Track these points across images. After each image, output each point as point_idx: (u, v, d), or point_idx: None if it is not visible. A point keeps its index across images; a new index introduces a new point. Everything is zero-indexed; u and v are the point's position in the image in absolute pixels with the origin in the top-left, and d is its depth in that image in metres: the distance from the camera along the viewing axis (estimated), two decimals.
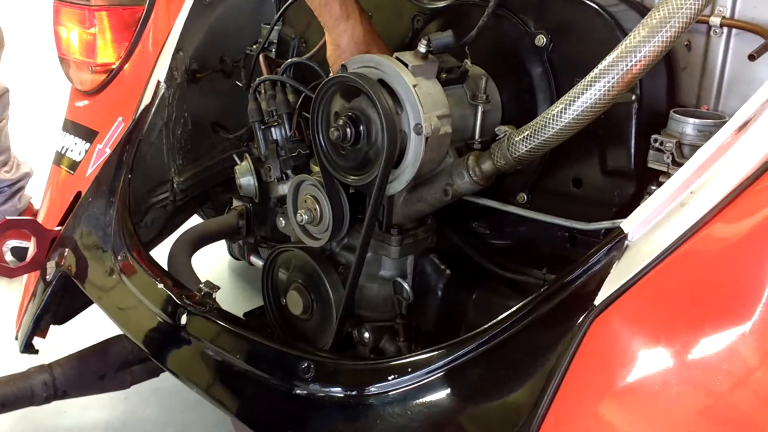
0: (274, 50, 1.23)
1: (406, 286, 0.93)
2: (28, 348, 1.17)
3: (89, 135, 1.27)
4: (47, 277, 1.14)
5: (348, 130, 0.82)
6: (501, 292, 0.93)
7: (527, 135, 0.78)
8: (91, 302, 1.22)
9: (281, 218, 1.08)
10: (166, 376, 1.24)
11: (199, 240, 1.20)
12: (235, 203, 1.25)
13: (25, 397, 1.04)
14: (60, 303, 1.15)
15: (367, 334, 0.93)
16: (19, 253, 1.86)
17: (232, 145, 1.34)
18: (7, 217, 1.17)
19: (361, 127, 0.82)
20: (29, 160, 1.91)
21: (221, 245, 1.34)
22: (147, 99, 1.20)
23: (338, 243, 0.97)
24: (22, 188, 1.86)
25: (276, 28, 1.20)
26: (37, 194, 1.82)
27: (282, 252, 1.00)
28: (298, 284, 0.98)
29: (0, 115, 1.76)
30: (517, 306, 0.70)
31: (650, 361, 0.63)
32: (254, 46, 1.23)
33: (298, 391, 0.76)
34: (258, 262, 1.23)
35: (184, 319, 0.87)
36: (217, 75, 1.32)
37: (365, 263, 0.92)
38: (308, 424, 0.75)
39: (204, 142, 1.34)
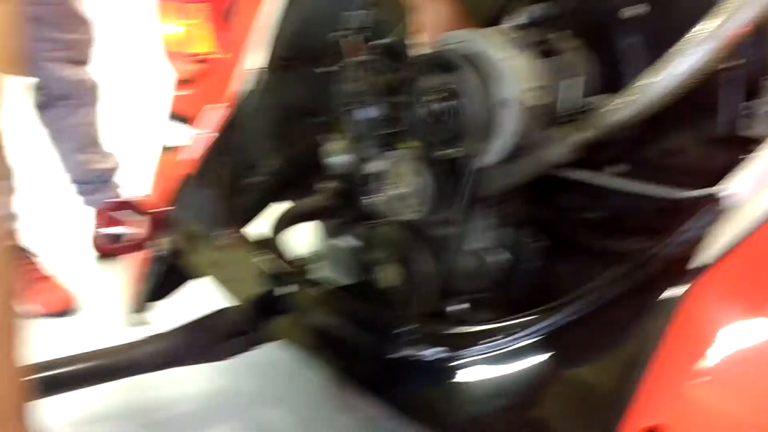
0: (364, 34, 1.27)
1: (498, 257, 0.95)
2: (134, 321, 1.26)
3: (190, 122, 1.35)
4: (154, 255, 1.22)
5: (441, 104, 0.85)
6: (593, 264, 0.94)
7: (621, 104, 0.79)
8: (193, 278, 1.31)
9: (373, 196, 1.11)
10: (261, 352, 1.31)
11: (291, 219, 1.26)
12: (325, 185, 1.31)
13: (136, 365, 1.12)
14: (165, 279, 1.23)
15: (457, 307, 0.97)
16: (121, 236, 1.98)
17: (320, 130, 1.38)
18: (115, 199, 1.25)
19: (454, 102, 0.85)
20: (117, 152, 2.02)
21: None
22: (242, 86, 1.27)
23: (431, 216, 1.00)
24: (110, 179, 1.97)
25: (366, 12, 1.24)
26: (125, 184, 1.94)
27: (375, 227, 1.05)
28: (391, 258, 1.02)
29: (90, 109, 1.87)
30: (610, 274, 0.72)
31: (749, 332, 0.63)
32: (344, 31, 1.27)
33: (397, 354, 0.80)
34: (345, 243, 1.28)
35: (286, 288, 0.92)
36: (306, 62, 1.37)
37: (457, 236, 0.95)
38: (407, 386, 0.79)
39: (293, 128, 1.40)
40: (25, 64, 1.75)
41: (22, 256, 1.77)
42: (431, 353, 0.78)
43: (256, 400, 1.41)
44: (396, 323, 0.82)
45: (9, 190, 1.76)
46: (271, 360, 1.49)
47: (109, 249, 1.21)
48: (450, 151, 0.89)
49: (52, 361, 1.14)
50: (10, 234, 0.83)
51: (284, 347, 1.49)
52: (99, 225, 1.21)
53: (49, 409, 0.92)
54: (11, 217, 1.77)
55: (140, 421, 1.37)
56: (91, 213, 1.98)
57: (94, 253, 2.00)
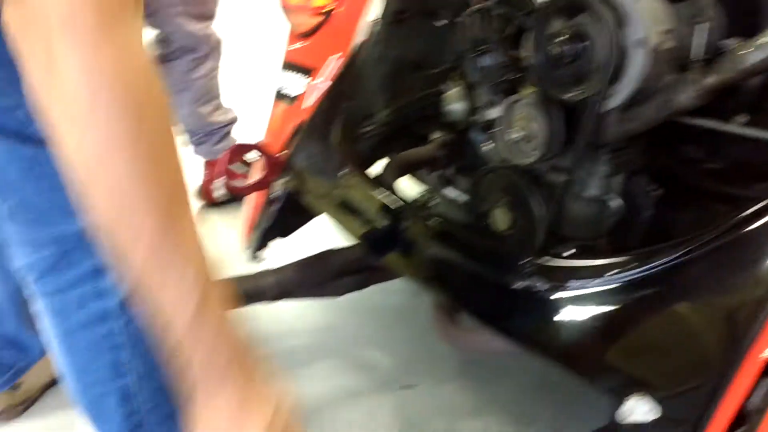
0: None
1: (615, 203, 0.96)
2: (255, 257, 1.34)
3: (307, 72, 1.41)
4: (274, 195, 1.29)
5: (569, 46, 0.87)
6: (712, 212, 0.94)
7: (752, 49, 0.78)
8: (309, 218, 1.38)
9: (486, 143, 1.15)
10: (368, 295, 1.38)
11: (404, 166, 1.31)
12: (435, 135, 1.35)
13: (260, 293, 1.20)
14: (284, 218, 1.30)
15: (568, 252, 0.99)
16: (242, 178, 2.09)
17: (431, 83, 1.42)
18: (239, 142, 1.33)
19: (582, 44, 0.87)
20: (234, 106, 2.12)
21: None
22: (360, 37, 1.32)
23: (545, 162, 1.02)
24: (229, 132, 2.07)
25: None
26: (240, 137, 2.04)
27: (490, 172, 1.07)
28: (505, 202, 1.04)
29: (214, 64, 1.97)
30: (729, 218, 0.72)
31: None
32: None
33: (517, 285, 0.83)
34: (452, 193, 1.32)
35: (406, 223, 0.97)
36: (419, 15, 1.40)
37: (572, 181, 0.97)
38: (526, 316, 0.82)
39: (405, 80, 1.43)
40: (152, 18, 1.86)
41: None
42: (547, 285, 0.81)
43: (359, 340, 1.48)
44: (511, 257, 0.86)
45: None
46: (377, 303, 1.56)
47: (232, 190, 1.29)
48: (573, 95, 0.90)
49: None
50: None
51: (391, 291, 1.56)
52: (217, 169, 1.29)
53: None
54: None
55: None
56: (200, 163, 2.11)
57: (201, 202, 2.13)
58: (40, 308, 0.84)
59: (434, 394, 1.31)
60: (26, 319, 1.23)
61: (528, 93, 1.01)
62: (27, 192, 0.76)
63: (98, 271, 0.79)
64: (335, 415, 1.27)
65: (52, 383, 1.36)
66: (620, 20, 0.84)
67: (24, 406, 1.34)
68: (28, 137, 0.73)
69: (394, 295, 1.59)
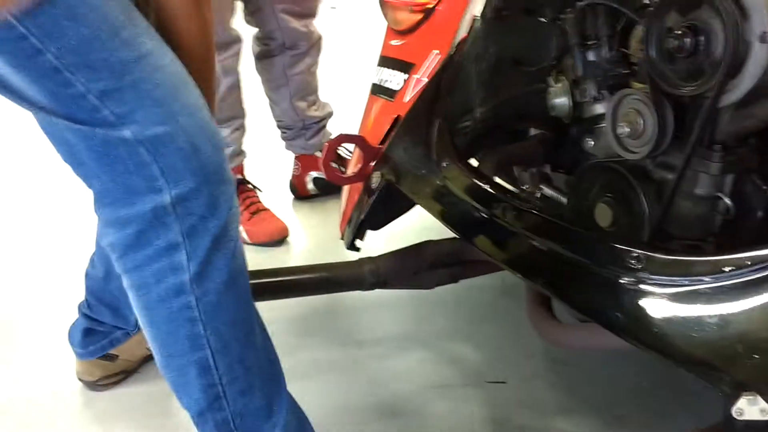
0: None
1: (727, 201, 0.94)
2: (351, 247, 1.37)
3: (406, 67, 1.43)
4: (372, 186, 1.32)
5: (687, 39, 0.86)
6: None
7: None
8: (404, 210, 1.40)
9: (589, 139, 1.14)
10: (457, 288, 1.39)
11: (501, 162, 1.31)
12: (533, 132, 1.35)
13: (357, 281, 1.23)
14: (380, 209, 1.33)
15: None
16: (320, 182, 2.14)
17: (531, 79, 1.42)
18: (341, 133, 1.37)
19: (701, 37, 0.85)
20: (331, 101, 2.18)
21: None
22: (462, 33, 1.33)
23: (653, 159, 1.01)
24: (325, 126, 2.13)
25: None
26: (335, 131, 2.09)
27: (593, 168, 1.07)
28: (608, 198, 1.04)
29: (314, 60, 2.03)
30: None
31: None
32: None
33: (625, 279, 0.83)
34: (548, 191, 1.31)
35: (510, 214, 0.98)
36: (520, 12, 1.41)
37: (681, 179, 0.95)
38: (633, 310, 0.81)
39: (503, 77, 1.44)
40: (255, 16, 1.93)
41: (246, 189, 1.99)
42: (659, 280, 0.80)
43: (447, 334, 1.49)
44: (620, 251, 0.85)
45: (243, 129, 1.98)
46: (466, 298, 1.57)
47: (333, 179, 1.33)
48: (687, 90, 0.89)
49: (279, 269, 1.29)
50: None
51: (480, 287, 1.56)
52: (324, 154, 1.32)
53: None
54: (241, 154, 1.99)
55: (340, 339, 1.50)
56: (292, 158, 2.17)
57: (292, 195, 2.20)
58: (125, 285, 0.90)
59: (523, 391, 1.31)
60: None
61: (639, 88, 1.00)
62: (104, 178, 0.82)
63: (172, 247, 0.85)
64: (422, 407, 1.29)
65: (150, 357, 1.43)
66: (741, 13, 0.83)
67: (120, 377, 1.42)
68: (99, 122, 0.79)
69: (482, 291, 1.59)
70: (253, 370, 0.95)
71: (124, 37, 0.78)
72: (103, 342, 1.38)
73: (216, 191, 0.85)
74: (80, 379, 1.40)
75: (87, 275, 1.35)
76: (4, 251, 1.98)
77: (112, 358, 1.39)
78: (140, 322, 0.92)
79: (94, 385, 1.40)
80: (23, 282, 1.81)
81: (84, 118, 0.78)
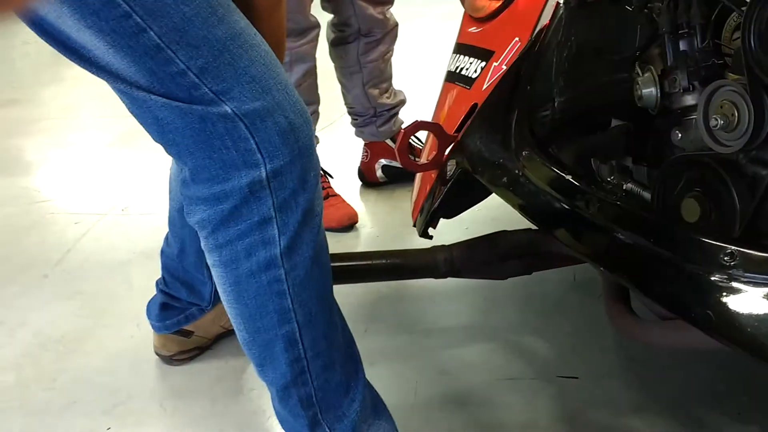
0: None
1: None
2: (424, 234, 1.37)
3: (485, 55, 1.42)
4: (447, 174, 1.31)
5: None
6: None
7: None
8: (478, 199, 1.39)
9: (677, 131, 1.10)
10: (529, 281, 1.37)
11: (582, 152, 1.29)
12: (615, 122, 1.31)
13: (430, 269, 1.23)
14: (454, 198, 1.32)
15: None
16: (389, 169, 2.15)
17: (614, 69, 1.38)
18: (418, 120, 1.36)
19: None
20: (404, 89, 2.17)
21: None
22: (545, 20, 1.31)
23: (746, 154, 0.97)
24: (396, 113, 2.13)
25: None
26: (407, 120, 2.09)
27: (681, 160, 1.03)
28: (697, 192, 1.00)
29: (388, 47, 2.03)
30: None
31: None
32: None
33: (716, 276, 0.80)
34: (631, 185, 1.28)
35: (594, 206, 0.96)
36: (606, 0, 1.37)
37: None
38: (725, 307, 0.78)
39: (585, 66, 1.40)
40: (331, 3, 1.95)
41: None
42: (751, 278, 0.77)
43: (518, 326, 1.47)
44: (711, 246, 0.82)
45: (316, 115, 2.00)
46: (537, 292, 1.55)
47: (409, 165, 1.33)
48: None
49: (353, 254, 1.30)
50: None
51: (551, 281, 1.54)
52: (399, 141, 1.32)
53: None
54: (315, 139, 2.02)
55: (408, 327, 1.50)
56: (361, 145, 2.18)
57: (360, 182, 2.21)
58: (212, 261, 0.92)
59: (595, 387, 1.28)
60: (205, 263, 1.34)
61: (733, 79, 0.96)
62: (198, 155, 0.84)
63: (266, 222, 0.86)
64: (492, 399, 1.28)
65: (224, 334, 1.47)
66: None
67: (195, 353, 1.46)
68: (198, 99, 0.80)
69: (554, 285, 1.57)
70: (335, 345, 0.97)
71: (220, 15, 0.80)
72: (179, 317, 1.43)
73: (307, 165, 0.87)
74: (157, 353, 1.45)
75: (162, 253, 1.40)
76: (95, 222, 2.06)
77: (187, 334, 1.44)
78: (226, 300, 0.94)
79: (170, 360, 1.44)
80: (106, 257, 1.88)
81: (183, 95, 0.80)
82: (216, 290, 1.36)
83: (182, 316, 1.42)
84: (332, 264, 1.17)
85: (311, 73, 1.91)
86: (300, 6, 1.79)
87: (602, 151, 1.31)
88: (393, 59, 2.09)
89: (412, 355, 1.42)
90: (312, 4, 1.86)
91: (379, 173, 2.18)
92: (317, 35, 1.90)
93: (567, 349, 1.40)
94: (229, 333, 1.46)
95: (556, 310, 1.51)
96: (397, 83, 2.14)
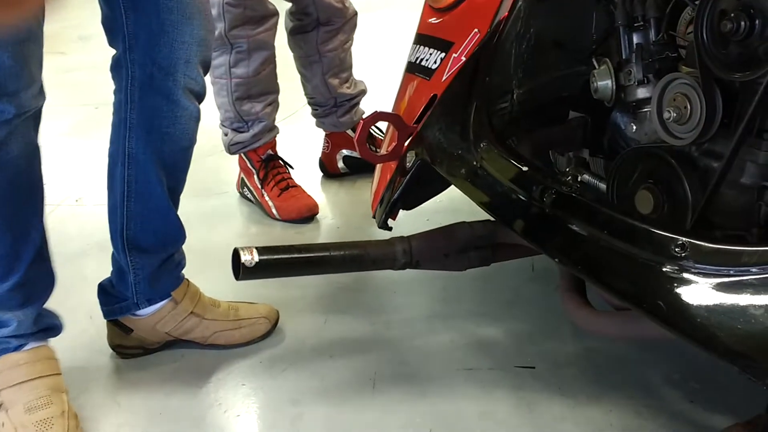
0: None
1: None
2: (384, 226, 1.37)
3: (445, 46, 1.41)
4: (406, 165, 1.31)
5: (742, 22, 0.83)
6: None
7: None
8: (438, 191, 1.39)
9: (633, 123, 1.11)
10: (486, 271, 1.38)
11: (539, 145, 1.29)
12: (573, 115, 1.32)
13: (389, 260, 1.22)
14: (414, 189, 1.32)
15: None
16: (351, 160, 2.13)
17: (573, 61, 1.39)
18: (377, 111, 1.35)
19: (757, 20, 0.83)
20: (364, 79, 2.16)
21: None
22: (503, 11, 1.30)
23: (698, 146, 0.99)
24: (357, 104, 2.11)
25: None
26: (369, 110, 2.08)
27: (635, 153, 1.05)
28: (650, 184, 1.01)
29: (348, 36, 2.01)
30: None
31: None
32: None
33: (668, 267, 0.81)
34: (587, 176, 1.29)
35: (549, 198, 0.96)
36: None
37: (727, 167, 0.92)
38: (676, 298, 0.80)
39: (543, 58, 1.41)
40: None
41: (277, 165, 1.99)
42: (711, 270, 0.78)
43: (477, 317, 1.48)
44: (664, 237, 0.83)
45: (276, 105, 1.98)
46: (497, 282, 1.56)
47: (368, 157, 1.32)
48: (739, 75, 0.86)
49: (311, 245, 1.29)
50: None
51: (511, 270, 1.55)
52: (358, 133, 1.31)
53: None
54: (274, 129, 1.99)
55: (369, 318, 1.50)
56: (322, 135, 2.16)
57: (322, 172, 2.19)
58: None
59: (552, 377, 1.29)
60: (126, 248, 1.32)
61: (686, 72, 0.98)
62: None
63: None
64: (450, 389, 1.29)
65: (174, 342, 1.42)
66: None
67: (138, 352, 1.41)
68: None
69: (513, 275, 1.58)
70: None
71: None
72: (113, 306, 1.39)
73: None
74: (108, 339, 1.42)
75: None
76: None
77: (126, 329, 1.40)
78: None
79: (113, 349, 1.42)
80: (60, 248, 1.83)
81: None
82: (140, 292, 1.34)
83: (116, 305, 1.38)
84: (290, 255, 1.16)
85: (270, 61, 1.89)
86: None
87: (560, 143, 1.33)
88: (355, 49, 2.07)
89: (372, 346, 1.42)
90: None
91: (340, 164, 2.17)
92: (276, 23, 1.87)
93: (525, 339, 1.41)
94: (179, 341, 1.42)
95: (514, 301, 1.52)
96: (359, 73, 2.12)
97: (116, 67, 1.25)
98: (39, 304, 1.24)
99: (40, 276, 1.23)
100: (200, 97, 1.29)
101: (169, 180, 1.31)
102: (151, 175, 1.28)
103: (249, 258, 1.03)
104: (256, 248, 1.07)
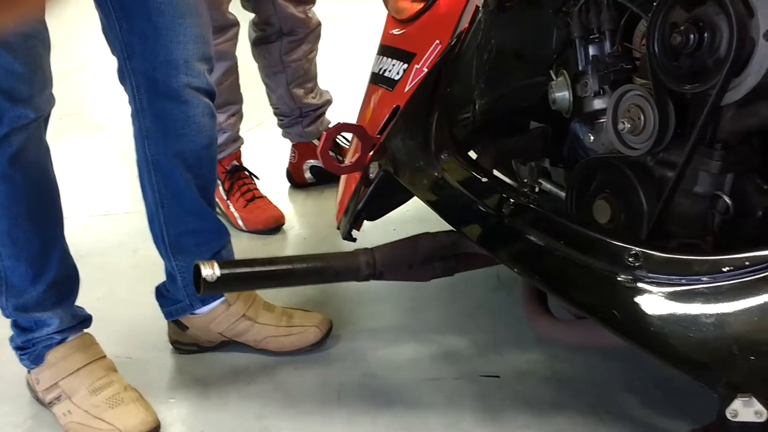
0: None
1: (726, 200, 0.93)
2: (348, 237, 1.36)
3: (407, 57, 1.42)
4: (370, 176, 1.31)
5: (692, 35, 0.85)
6: None
7: None
8: (401, 201, 1.39)
9: (590, 134, 1.13)
10: (456, 282, 1.38)
11: (500, 155, 1.30)
12: (533, 125, 1.34)
13: (352, 272, 1.22)
14: (377, 200, 1.32)
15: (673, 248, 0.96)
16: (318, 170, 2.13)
17: (532, 72, 1.40)
18: (340, 122, 1.35)
19: (706, 34, 0.84)
20: (330, 89, 2.16)
21: None
22: (464, 23, 1.32)
23: (653, 156, 1.00)
24: (323, 113, 2.11)
25: None
26: (334, 120, 2.08)
27: (593, 163, 1.06)
28: (607, 194, 1.03)
29: (312, 46, 2.01)
30: None
31: None
32: None
33: (622, 277, 0.82)
34: (547, 185, 1.31)
35: (507, 208, 0.97)
36: (523, 3, 1.39)
37: (680, 176, 0.94)
38: (630, 308, 0.81)
39: (504, 69, 1.42)
40: (252, 2, 1.91)
41: (242, 176, 1.97)
42: (665, 279, 0.79)
43: (442, 326, 1.48)
44: (618, 248, 0.84)
45: (239, 115, 1.96)
46: (461, 292, 1.57)
47: (331, 168, 1.32)
48: (690, 87, 0.88)
49: (274, 258, 1.28)
50: None
51: (476, 281, 1.56)
52: (321, 144, 1.31)
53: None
54: (238, 140, 1.98)
55: (335, 329, 1.49)
56: (289, 145, 2.16)
57: (289, 182, 2.18)
58: None
59: (516, 385, 1.30)
60: (170, 253, 1.36)
61: (640, 83, 0.99)
62: None
63: None
64: (416, 400, 1.29)
65: (227, 343, 1.44)
66: (747, 10, 0.82)
67: (193, 349, 1.44)
68: None
69: (478, 284, 1.59)
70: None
71: None
72: (170, 308, 1.42)
73: None
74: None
75: None
76: None
77: (183, 327, 1.43)
78: None
79: (171, 344, 1.45)
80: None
81: None
82: (191, 293, 1.37)
83: (172, 307, 1.42)
84: (252, 269, 1.15)
85: (232, 72, 1.87)
86: (216, 4, 1.75)
87: (521, 153, 1.34)
88: (322, 59, 2.07)
89: (337, 357, 1.42)
90: (231, 3, 1.83)
91: (307, 174, 2.16)
92: (236, 33, 1.86)
93: (490, 348, 1.42)
94: (233, 342, 1.44)
95: (479, 310, 1.53)
96: (324, 83, 2.12)
97: (121, 77, 1.25)
98: (73, 298, 1.31)
99: (68, 273, 1.29)
100: (208, 93, 1.28)
101: (197, 179, 1.31)
102: (178, 177, 1.29)
103: (210, 273, 1.02)
104: (218, 262, 1.06)
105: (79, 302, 1.34)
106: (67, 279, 1.28)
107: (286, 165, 2.19)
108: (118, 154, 2.45)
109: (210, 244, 1.37)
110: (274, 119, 2.15)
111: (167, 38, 1.19)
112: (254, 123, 2.39)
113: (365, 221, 1.38)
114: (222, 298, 1.40)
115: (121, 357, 1.40)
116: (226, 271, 1.05)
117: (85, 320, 1.34)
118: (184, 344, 1.44)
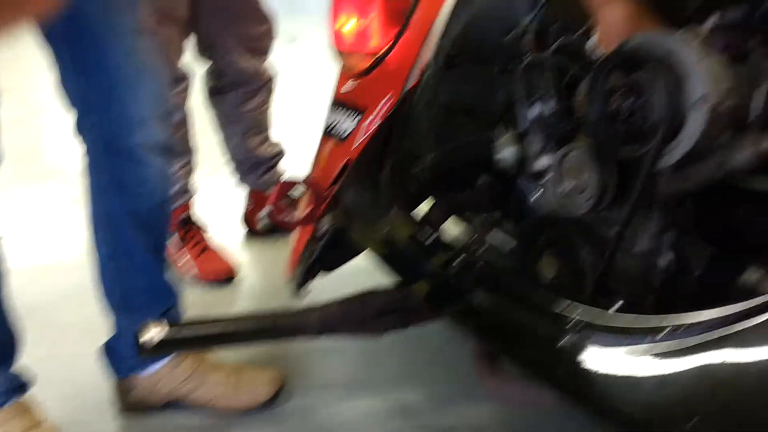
0: (532, 36, 1.30)
1: (666, 261, 0.95)
2: (300, 290, 1.35)
3: (358, 111, 1.43)
4: (321, 230, 1.31)
5: (626, 102, 0.87)
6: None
7: None
8: (353, 255, 1.39)
9: (534, 192, 1.15)
10: (410, 335, 1.37)
11: (450, 208, 1.32)
12: (482, 180, 1.35)
13: (302, 330, 1.20)
14: (329, 253, 1.32)
15: (616, 307, 0.97)
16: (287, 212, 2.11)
17: (481, 128, 1.43)
18: (288, 179, 1.35)
19: (640, 100, 0.87)
20: (282, 140, 2.16)
21: None
22: (413, 79, 1.34)
23: (595, 215, 1.02)
24: (275, 164, 2.11)
25: (538, 14, 1.27)
26: (288, 170, 2.08)
27: (539, 220, 1.08)
28: (553, 251, 1.04)
29: (265, 99, 2.02)
30: None
31: None
32: (517, 31, 1.31)
33: (566, 338, 0.83)
34: (499, 236, 1.32)
35: (453, 267, 0.98)
36: (471, 61, 1.42)
37: (622, 236, 0.96)
38: (573, 369, 0.81)
39: (455, 124, 1.45)
40: (207, 52, 1.92)
41: (193, 227, 1.95)
42: (596, 340, 0.80)
43: (398, 381, 1.47)
44: (561, 310, 0.85)
45: (190, 167, 1.95)
46: (416, 344, 1.56)
47: (279, 223, 1.32)
48: (627, 151, 0.90)
49: (220, 318, 1.26)
50: None
51: (431, 333, 1.55)
52: (267, 204, 1.31)
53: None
54: (188, 191, 1.96)
55: (287, 384, 1.47)
56: (244, 194, 2.14)
57: (244, 231, 2.16)
58: None
59: None
60: None
61: (581, 144, 1.02)
62: None
63: None
64: None
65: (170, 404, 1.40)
66: (679, 78, 0.85)
67: (138, 409, 1.40)
68: None
69: (432, 336, 1.58)
70: None
71: None
72: (116, 367, 1.39)
73: None
74: None
75: None
76: None
77: (129, 386, 1.39)
78: None
79: (117, 404, 1.41)
80: None
81: None
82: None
83: (119, 366, 1.40)
84: (198, 331, 1.13)
85: (183, 124, 1.86)
86: (168, 61, 1.75)
87: (470, 206, 1.35)
88: (282, 107, 2.08)
89: (291, 414, 1.39)
90: (182, 59, 1.83)
91: (263, 223, 2.14)
92: (187, 86, 1.85)
93: (444, 400, 1.41)
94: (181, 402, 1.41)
95: (433, 362, 1.53)
96: (280, 134, 2.12)
97: (77, 131, 1.23)
98: (11, 363, 1.27)
99: (7, 338, 1.25)
100: (166, 149, 1.26)
101: (149, 236, 1.30)
102: (132, 234, 1.27)
103: (149, 337, 0.99)
104: (161, 324, 1.04)
105: (23, 360, 1.30)
106: (7, 345, 1.25)
107: (241, 212, 2.17)
108: (69, 202, 2.40)
109: (159, 302, 1.35)
110: (229, 166, 2.14)
111: (123, 94, 1.18)
112: (209, 170, 2.37)
113: (319, 274, 1.37)
114: (168, 358, 1.37)
115: (65, 419, 1.35)
116: (167, 335, 1.03)
117: (24, 385, 1.30)
118: (130, 404, 1.40)
